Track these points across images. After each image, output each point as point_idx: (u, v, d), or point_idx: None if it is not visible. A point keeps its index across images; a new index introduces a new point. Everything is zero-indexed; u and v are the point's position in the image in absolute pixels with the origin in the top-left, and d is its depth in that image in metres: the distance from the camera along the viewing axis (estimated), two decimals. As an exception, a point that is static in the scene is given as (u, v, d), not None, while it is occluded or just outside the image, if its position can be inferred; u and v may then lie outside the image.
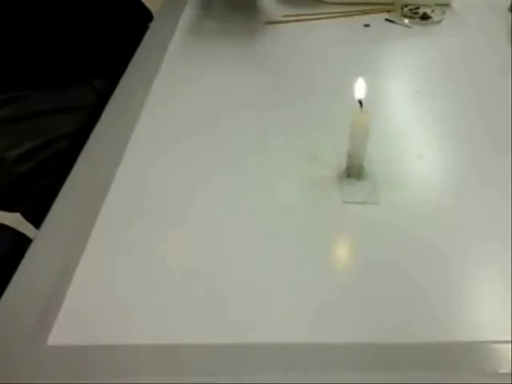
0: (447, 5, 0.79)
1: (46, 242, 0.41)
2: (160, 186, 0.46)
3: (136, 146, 0.50)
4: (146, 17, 0.80)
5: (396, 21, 0.75)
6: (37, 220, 0.66)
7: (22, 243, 0.46)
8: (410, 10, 0.77)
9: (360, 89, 0.42)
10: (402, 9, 0.77)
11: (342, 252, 0.42)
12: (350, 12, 0.76)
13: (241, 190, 0.45)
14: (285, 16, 0.75)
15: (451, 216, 0.43)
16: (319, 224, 0.42)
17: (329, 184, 0.46)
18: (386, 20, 0.76)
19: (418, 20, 0.75)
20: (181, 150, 0.50)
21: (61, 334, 0.34)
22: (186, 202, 0.44)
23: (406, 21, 0.75)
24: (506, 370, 0.33)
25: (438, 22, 0.75)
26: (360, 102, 0.43)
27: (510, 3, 0.80)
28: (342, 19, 0.75)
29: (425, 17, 0.75)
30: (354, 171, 0.46)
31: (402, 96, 0.52)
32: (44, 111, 0.69)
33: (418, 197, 0.45)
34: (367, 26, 0.74)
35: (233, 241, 0.41)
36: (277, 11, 0.77)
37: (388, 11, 0.77)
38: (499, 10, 0.79)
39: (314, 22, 0.75)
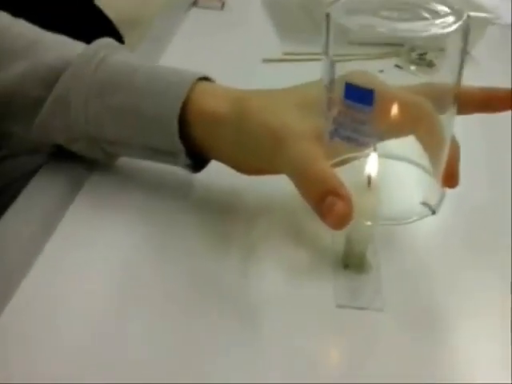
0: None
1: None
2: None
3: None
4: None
5: (404, 67, 0.69)
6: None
7: None
8: (420, 54, 0.71)
9: (372, 163, 0.33)
10: (410, 53, 0.71)
11: (333, 366, 0.32)
12: (360, 55, 0.70)
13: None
14: (285, 54, 0.69)
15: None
16: (306, 329, 0.33)
17: (319, 276, 0.36)
18: (396, 66, 0.69)
19: (424, 68, 0.69)
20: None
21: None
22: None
23: (413, 67, 0.68)
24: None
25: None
26: (369, 178, 0.34)
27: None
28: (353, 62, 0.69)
29: (430, 64, 0.69)
30: (353, 261, 0.37)
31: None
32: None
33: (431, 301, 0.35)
34: (381, 71, 0.67)
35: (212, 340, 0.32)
36: (276, 47, 0.71)
37: (398, 55, 0.72)
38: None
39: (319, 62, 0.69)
